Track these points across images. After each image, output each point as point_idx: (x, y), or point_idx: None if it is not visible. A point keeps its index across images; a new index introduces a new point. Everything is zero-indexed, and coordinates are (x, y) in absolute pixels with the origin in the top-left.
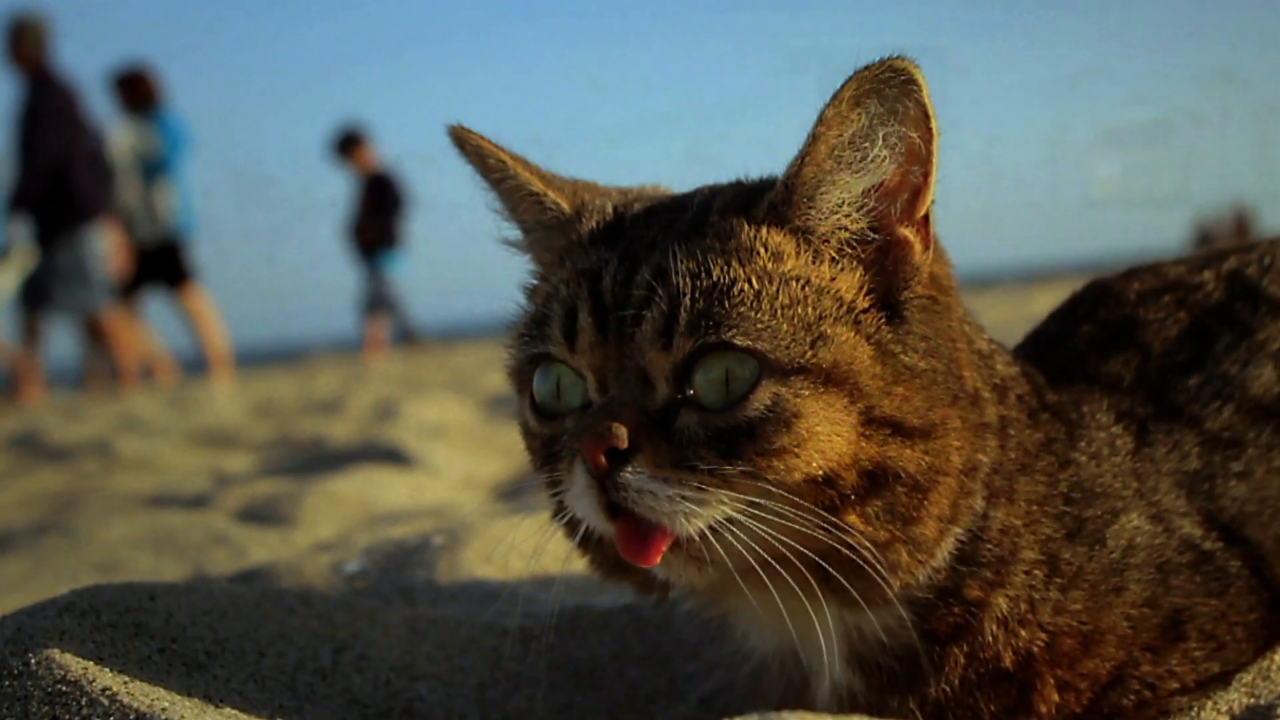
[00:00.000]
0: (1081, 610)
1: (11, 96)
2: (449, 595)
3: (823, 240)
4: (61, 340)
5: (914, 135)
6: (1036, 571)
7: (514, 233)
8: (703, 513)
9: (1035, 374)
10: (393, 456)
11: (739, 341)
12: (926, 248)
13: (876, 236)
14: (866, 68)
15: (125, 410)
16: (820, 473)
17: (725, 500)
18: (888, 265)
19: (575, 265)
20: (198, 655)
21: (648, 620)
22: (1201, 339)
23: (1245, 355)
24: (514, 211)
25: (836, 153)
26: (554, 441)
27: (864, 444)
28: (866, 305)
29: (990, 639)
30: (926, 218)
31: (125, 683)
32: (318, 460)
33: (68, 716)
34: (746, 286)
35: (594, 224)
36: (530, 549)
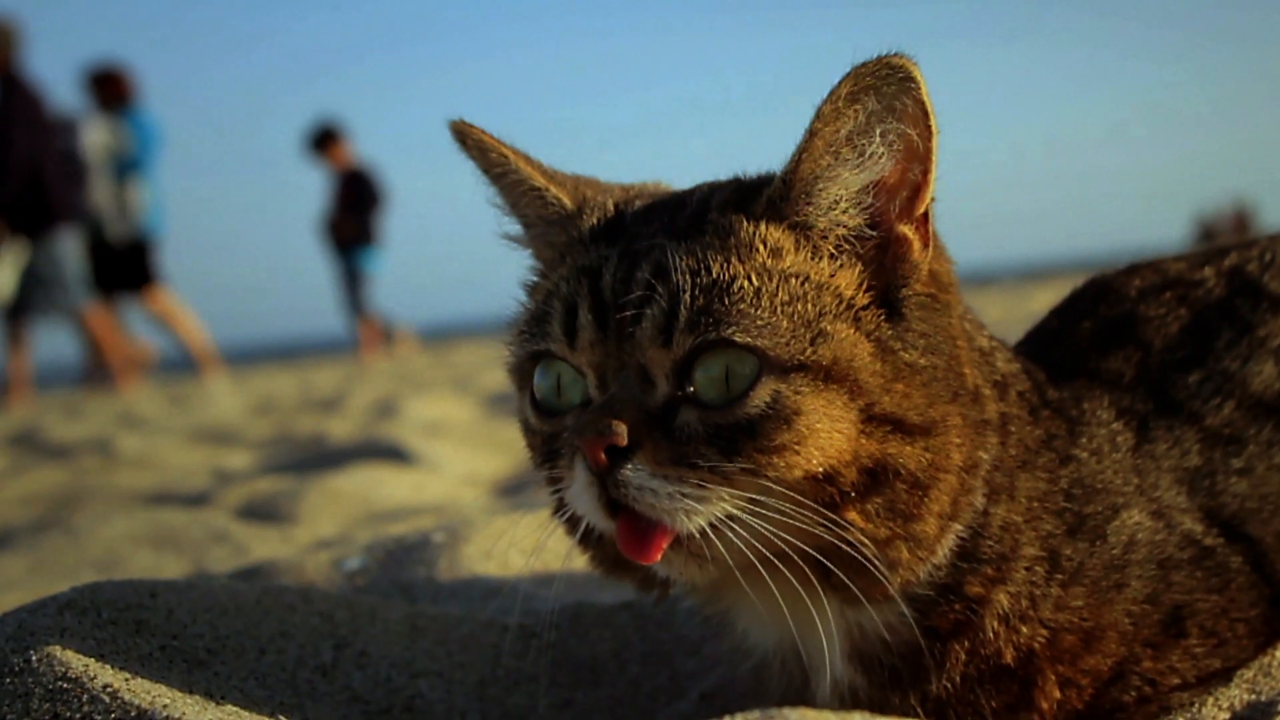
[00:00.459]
0: (1082, 606)
1: None
2: (449, 592)
3: (821, 236)
4: (62, 340)
5: (912, 132)
6: (1037, 568)
7: (515, 228)
8: (703, 510)
9: (1036, 371)
10: (393, 454)
11: (739, 339)
12: (926, 245)
13: (875, 233)
14: (864, 64)
15: (125, 408)
16: (820, 470)
17: (726, 497)
18: (887, 262)
19: (575, 262)
20: (198, 652)
21: (648, 617)
22: (1202, 335)
23: (1246, 352)
24: (515, 207)
25: (834, 149)
26: (554, 439)
27: (864, 441)
28: (866, 302)
29: (991, 635)
30: (926, 215)
31: (126, 680)
32: (318, 458)
33: (69, 713)
34: (746, 283)
35: (594, 221)
36: (531, 546)
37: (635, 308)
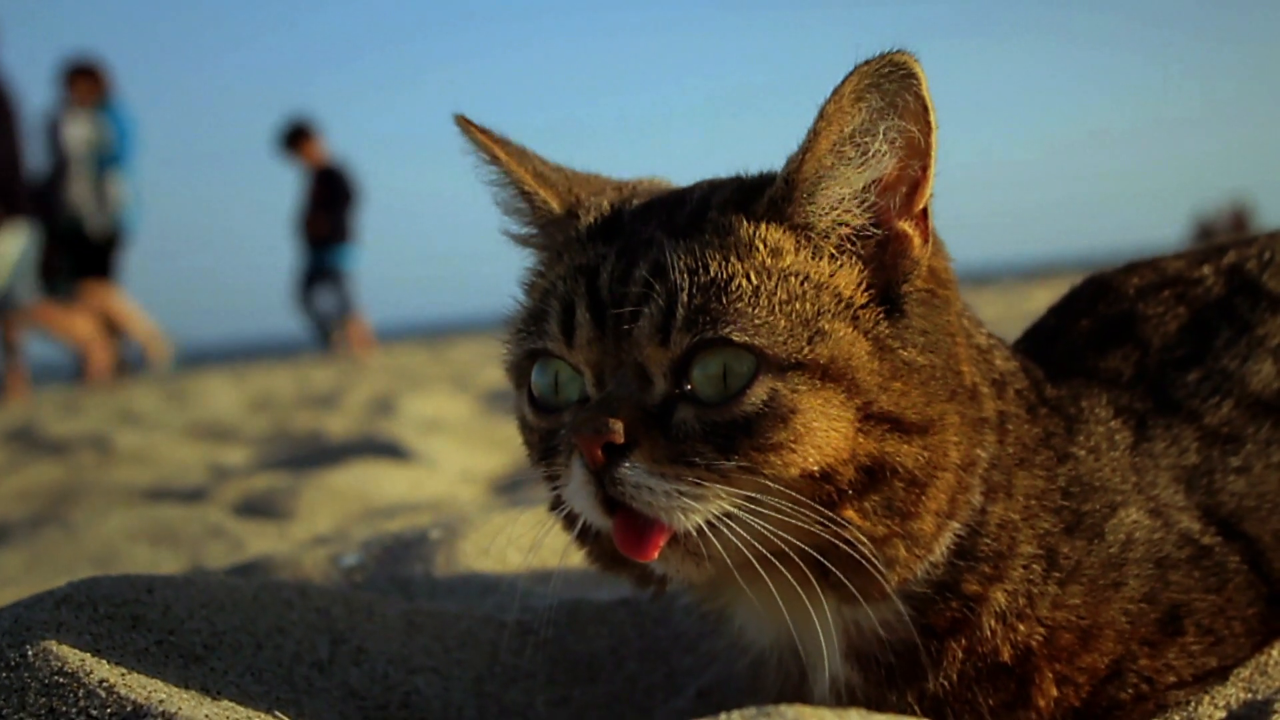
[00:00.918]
0: (1080, 605)
1: None
2: (446, 589)
3: (822, 236)
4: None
5: (913, 129)
6: (1035, 566)
7: (514, 226)
8: (700, 508)
9: (1034, 369)
10: (390, 450)
11: (736, 337)
12: (926, 242)
13: (876, 231)
14: (867, 62)
15: (122, 404)
16: (817, 468)
17: (723, 495)
18: (887, 260)
19: (573, 261)
20: (195, 648)
21: (646, 614)
22: (1201, 334)
23: (1245, 350)
24: (510, 207)
25: (838, 148)
26: (552, 436)
27: (861, 439)
28: (865, 301)
29: (988, 633)
30: (925, 212)
31: (122, 675)
32: (315, 454)
33: (65, 708)
34: (744, 282)
35: (591, 219)
36: (528, 543)
37: (633, 306)
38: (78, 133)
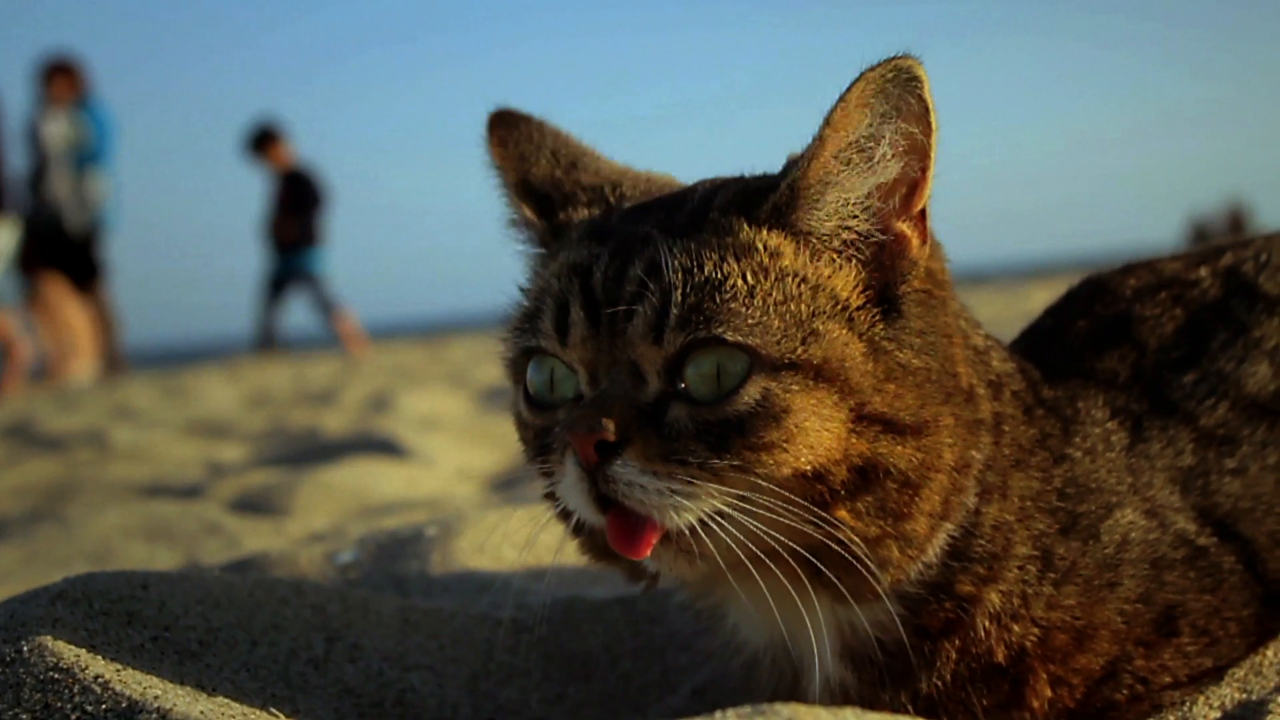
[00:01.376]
0: (1075, 605)
1: None
2: (442, 586)
3: (824, 240)
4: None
5: (915, 130)
6: (1030, 567)
7: (515, 225)
8: (692, 506)
9: (1031, 370)
10: (387, 448)
11: (729, 337)
12: (924, 242)
13: (878, 235)
14: (873, 69)
15: (119, 400)
16: (809, 468)
17: (715, 494)
18: (885, 260)
19: (568, 259)
20: (190, 644)
21: (640, 612)
22: (1197, 336)
23: (1241, 352)
24: (509, 206)
25: (843, 154)
26: (547, 433)
27: (854, 440)
28: (861, 302)
29: (982, 634)
30: (924, 213)
31: (118, 670)
32: (312, 451)
33: (60, 704)
34: (740, 282)
35: (588, 216)
36: (523, 540)
37: (627, 304)
38: (56, 130)
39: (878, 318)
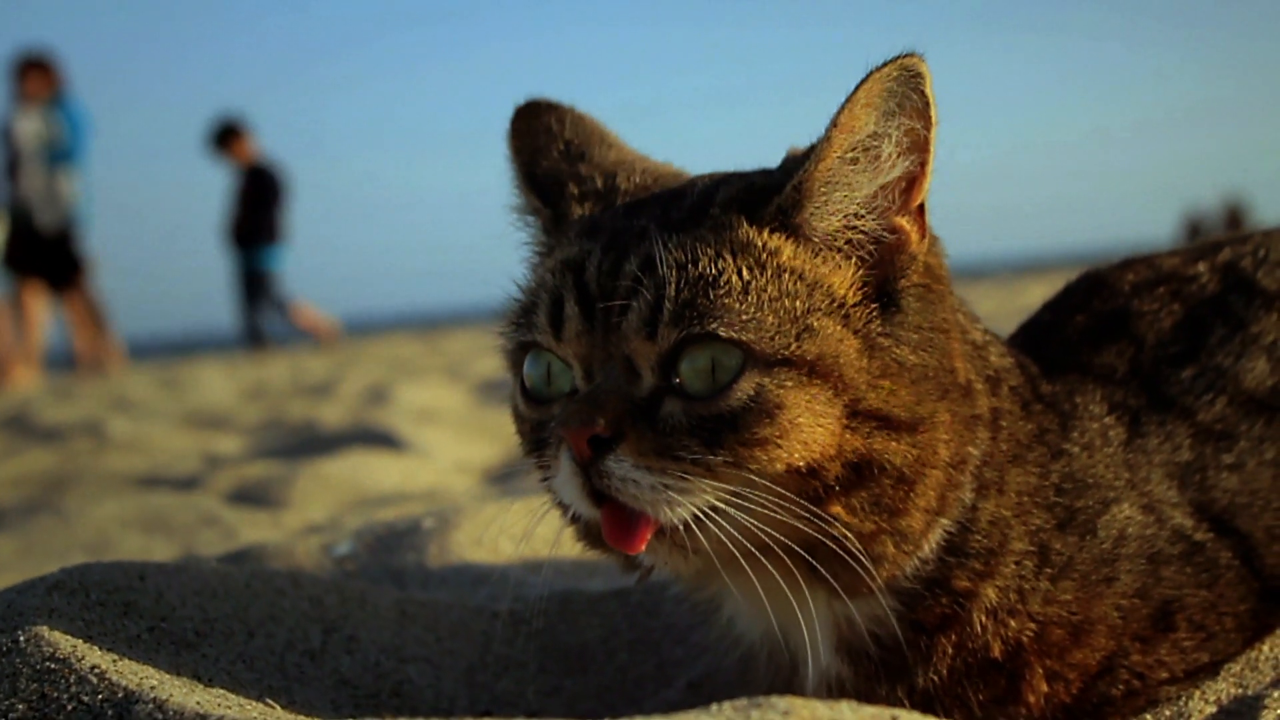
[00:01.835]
0: (1071, 600)
1: None
2: (439, 578)
3: (827, 240)
4: (54, 325)
5: (917, 125)
6: (1026, 562)
7: (523, 213)
8: (686, 501)
9: (1029, 365)
10: (384, 440)
11: (723, 333)
12: (923, 237)
13: (881, 233)
14: (879, 69)
15: (117, 391)
16: (803, 463)
17: (708, 489)
18: (883, 256)
19: (563, 254)
20: (187, 635)
21: (637, 605)
22: (1195, 331)
23: (1239, 348)
24: (515, 202)
25: (849, 155)
26: (543, 427)
27: (849, 436)
28: (858, 299)
29: (979, 629)
30: (922, 207)
31: (114, 661)
32: (309, 443)
33: (56, 694)
34: (735, 278)
35: (584, 212)
36: (520, 532)
37: (621, 299)
38: (29, 128)
39: (875, 313)
